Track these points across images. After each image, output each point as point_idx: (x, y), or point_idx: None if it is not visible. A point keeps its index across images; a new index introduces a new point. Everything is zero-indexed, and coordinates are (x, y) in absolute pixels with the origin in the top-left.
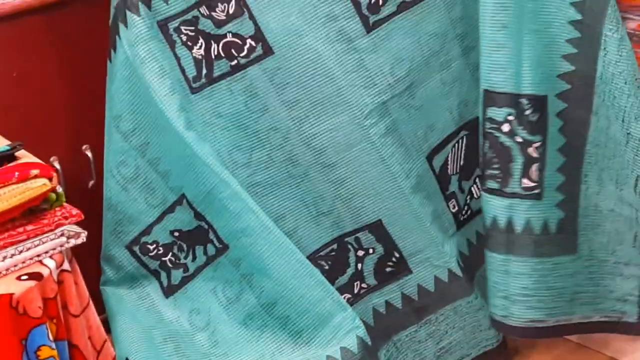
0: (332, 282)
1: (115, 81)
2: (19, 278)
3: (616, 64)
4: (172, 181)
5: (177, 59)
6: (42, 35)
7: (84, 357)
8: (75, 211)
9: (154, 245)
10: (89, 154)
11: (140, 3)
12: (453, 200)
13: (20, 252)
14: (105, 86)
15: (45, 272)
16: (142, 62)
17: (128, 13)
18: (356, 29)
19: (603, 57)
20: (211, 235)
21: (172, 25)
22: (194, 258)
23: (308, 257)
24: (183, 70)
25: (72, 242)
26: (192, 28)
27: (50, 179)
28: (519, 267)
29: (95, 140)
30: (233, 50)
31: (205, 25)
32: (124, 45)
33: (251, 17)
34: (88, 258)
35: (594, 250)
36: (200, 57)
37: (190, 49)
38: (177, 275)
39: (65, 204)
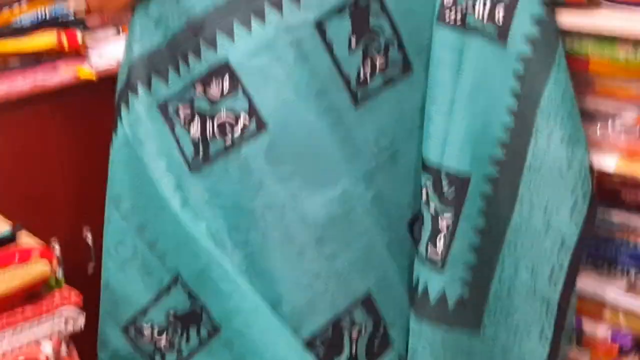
0: None
1: (115, 161)
2: None
3: (545, 154)
4: (168, 262)
5: (176, 139)
6: (47, 121)
7: None
8: (74, 295)
9: (149, 327)
10: (89, 236)
11: (140, 85)
12: None
13: (18, 335)
14: (106, 170)
15: (42, 357)
16: (140, 142)
17: (130, 94)
18: (345, 102)
19: (533, 147)
20: (204, 317)
21: (172, 106)
22: (188, 340)
23: (303, 341)
24: (182, 150)
25: (71, 326)
26: (189, 108)
27: (51, 262)
28: (420, 328)
29: (95, 222)
30: (227, 128)
31: (201, 104)
32: (124, 127)
33: (245, 93)
34: (86, 342)
35: (500, 335)
36: (197, 136)
37: (189, 129)
38: (170, 358)
39: (64, 287)
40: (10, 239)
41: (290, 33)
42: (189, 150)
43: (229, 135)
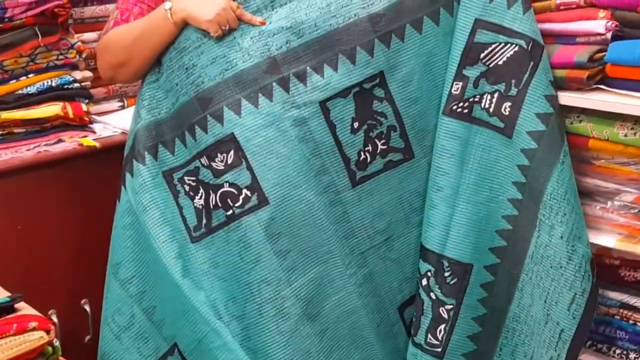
0: None
1: (117, 228)
2: None
3: (546, 247)
4: (165, 330)
5: (180, 208)
6: (47, 190)
7: None
8: None
9: None
10: (87, 308)
11: (146, 153)
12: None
13: None
14: (107, 240)
15: None
16: (144, 209)
17: (134, 162)
18: (344, 182)
19: (536, 239)
20: None
21: (177, 175)
22: None
23: None
24: (184, 220)
25: None
26: (194, 178)
27: (48, 332)
28: None
29: (94, 294)
30: (229, 200)
31: (205, 175)
32: (128, 194)
33: (249, 167)
34: None
35: None
36: (200, 206)
37: (192, 198)
38: None
39: (60, 358)
40: (9, 308)
41: (296, 111)
42: (192, 219)
43: (231, 207)
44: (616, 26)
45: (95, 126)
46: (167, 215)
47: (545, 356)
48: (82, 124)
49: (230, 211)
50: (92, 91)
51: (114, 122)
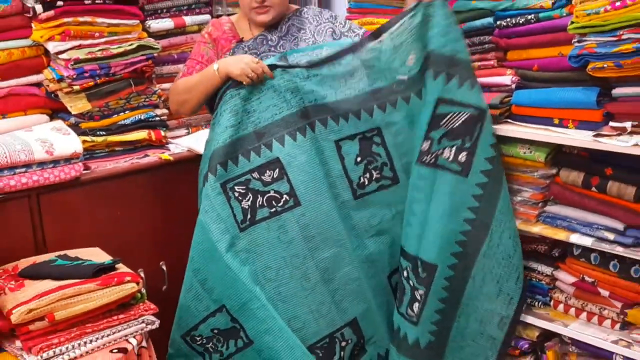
0: None
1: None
2: (111, 351)
3: (497, 246)
4: (214, 295)
5: (232, 208)
6: (137, 189)
7: None
8: (152, 306)
9: (200, 337)
10: (164, 267)
11: (218, 166)
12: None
13: (114, 333)
14: (177, 225)
15: (129, 347)
16: (205, 211)
17: (209, 174)
18: (348, 195)
19: (488, 242)
20: (241, 333)
21: (229, 185)
22: (227, 347)
23: (308, 347)
24: (234, 217)
25: (149, 327)
26: (244, 187)
27: (138, 284)
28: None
29: (168, 258)
30: (273, 202)
31: (255, 184)
32: (202, 200)
33: (288, 180)
34: (159, 339)
35: None
36: (247, 207)
37: (240, 202)
38: (215, 357)
39: (146, 301)
40: (111, 267)
41: (319, 144)
42: (240, 216)
43: (274, 206)
44: (518, 80)
45: (169, 146)
46: (222, 215)
47: (496, 317)
48: (161, 145)
49: (274, 209)
50: (168, 122)
51: (182, 143)
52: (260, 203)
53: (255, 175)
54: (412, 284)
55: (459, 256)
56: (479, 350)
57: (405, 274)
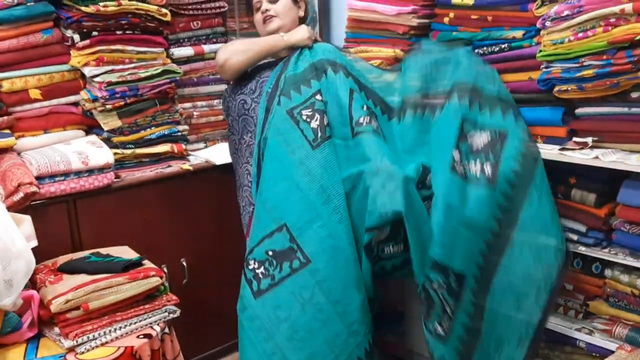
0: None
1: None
2: (138, 337)
3: (517, 263)
4: (274, 214)
5: (301, 130)
6: (161, 195)
7: None
8: (174, 297)
9: (253, 261)
10: (185, 263)
11: (282, 97)
12: None
13: (140, 321)
14: (195, 224)
15: (154, 333)
16: (272, 135)
17: (274, 103)
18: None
19: (509, 255)
20: (298, 254)
21: (296, 111)
22: (281, 270)
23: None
24: (305, 137)
25: (171, 316)
26: (310, 110)
27: (161, 277)
28: None
29: (189, 256)
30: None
31: (320, 105)
32: (269, 127)
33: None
34: (180, 326)
35: None
36: (316, 126)
37: (309, 122)
38: (265, 282)
39: (168, 293)
40: (139, 263)
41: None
42: (310, 135)
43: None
44: None
45: (189, 157)
46: (288, 139)
47: (513, 336)
48: (182, 156)
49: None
50: (188, 137)
51: (200, 155)
52: (326, 122)
53: (318, 97)
54: (442, 295)
55: (481, 268)
56: None
57: (436, 285)
